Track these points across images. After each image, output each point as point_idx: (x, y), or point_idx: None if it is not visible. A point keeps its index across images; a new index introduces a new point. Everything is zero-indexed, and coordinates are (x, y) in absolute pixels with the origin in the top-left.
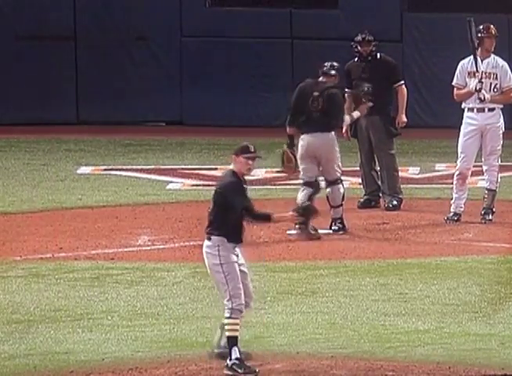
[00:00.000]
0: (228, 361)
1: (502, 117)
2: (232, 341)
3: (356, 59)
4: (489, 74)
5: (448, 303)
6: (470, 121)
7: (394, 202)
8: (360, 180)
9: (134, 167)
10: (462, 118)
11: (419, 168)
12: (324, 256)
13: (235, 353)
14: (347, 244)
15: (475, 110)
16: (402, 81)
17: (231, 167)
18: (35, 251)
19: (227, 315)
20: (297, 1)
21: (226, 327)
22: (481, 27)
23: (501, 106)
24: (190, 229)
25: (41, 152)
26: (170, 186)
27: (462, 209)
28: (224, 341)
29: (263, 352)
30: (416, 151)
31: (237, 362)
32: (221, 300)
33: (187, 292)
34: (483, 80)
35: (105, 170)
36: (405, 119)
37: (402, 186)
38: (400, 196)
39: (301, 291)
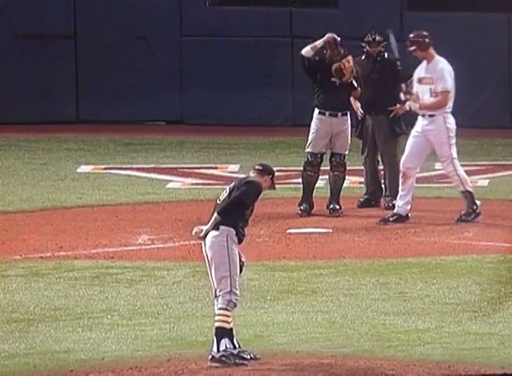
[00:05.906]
0: (215, 353)
1: (449, 119)
2: (222, 332)
3: (364, 57)
4: (426, 78)
5: (448, 302)
6: (416, 124)
7: (394, 202)
8: (362, 179)
9: (134, 166)
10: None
11: (419, 168)
12: (324, 255)
13: (223, 345)
14: (347, 244)
15: (419, 115)
16: None
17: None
18: (35, 250)
19: (223, 306)
20: (297, 0)
21: (219, 318)
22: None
23: (443, 110)
24: (190, 228)
25: (40, 151)
26: (170, 185)
27: (404, 209)
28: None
29: (263, 351)
30: None
31: (225, 353)
32: (216, 292)
33: (187, 291)
34: (421, 85)
35: (105, 169)
36: (402, 111)
37: None
38: None
39: (300, 290)
